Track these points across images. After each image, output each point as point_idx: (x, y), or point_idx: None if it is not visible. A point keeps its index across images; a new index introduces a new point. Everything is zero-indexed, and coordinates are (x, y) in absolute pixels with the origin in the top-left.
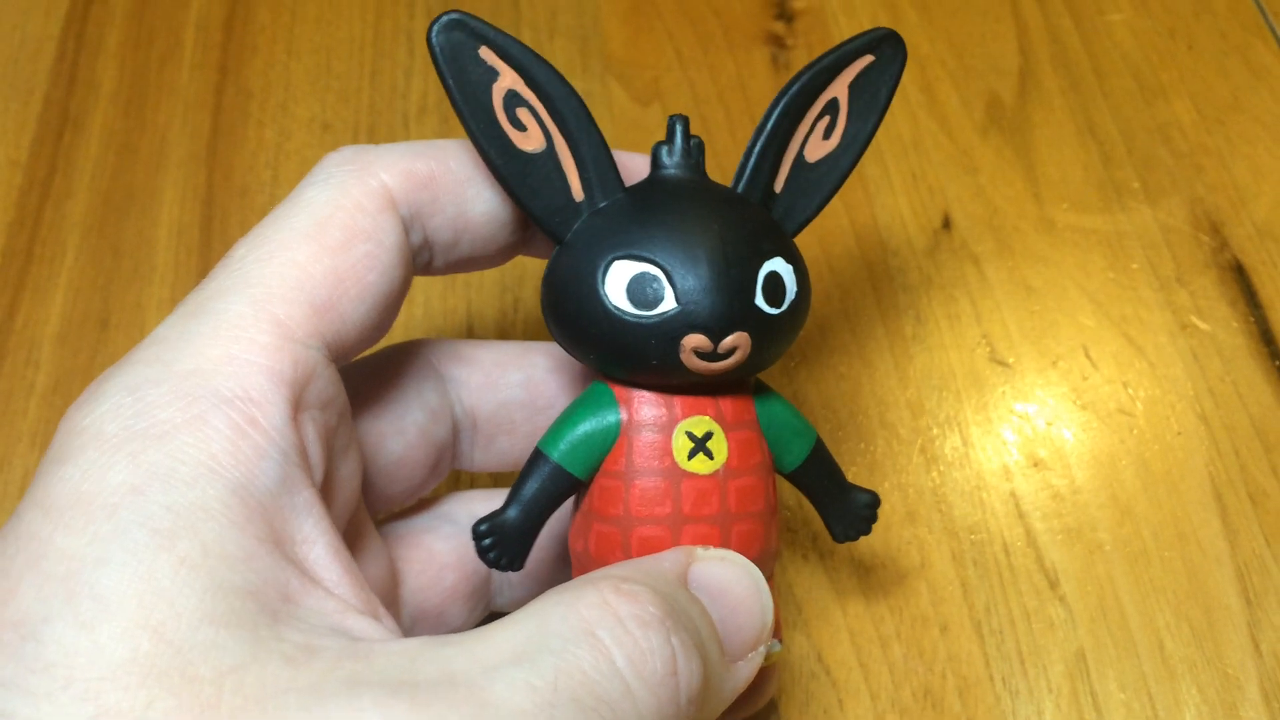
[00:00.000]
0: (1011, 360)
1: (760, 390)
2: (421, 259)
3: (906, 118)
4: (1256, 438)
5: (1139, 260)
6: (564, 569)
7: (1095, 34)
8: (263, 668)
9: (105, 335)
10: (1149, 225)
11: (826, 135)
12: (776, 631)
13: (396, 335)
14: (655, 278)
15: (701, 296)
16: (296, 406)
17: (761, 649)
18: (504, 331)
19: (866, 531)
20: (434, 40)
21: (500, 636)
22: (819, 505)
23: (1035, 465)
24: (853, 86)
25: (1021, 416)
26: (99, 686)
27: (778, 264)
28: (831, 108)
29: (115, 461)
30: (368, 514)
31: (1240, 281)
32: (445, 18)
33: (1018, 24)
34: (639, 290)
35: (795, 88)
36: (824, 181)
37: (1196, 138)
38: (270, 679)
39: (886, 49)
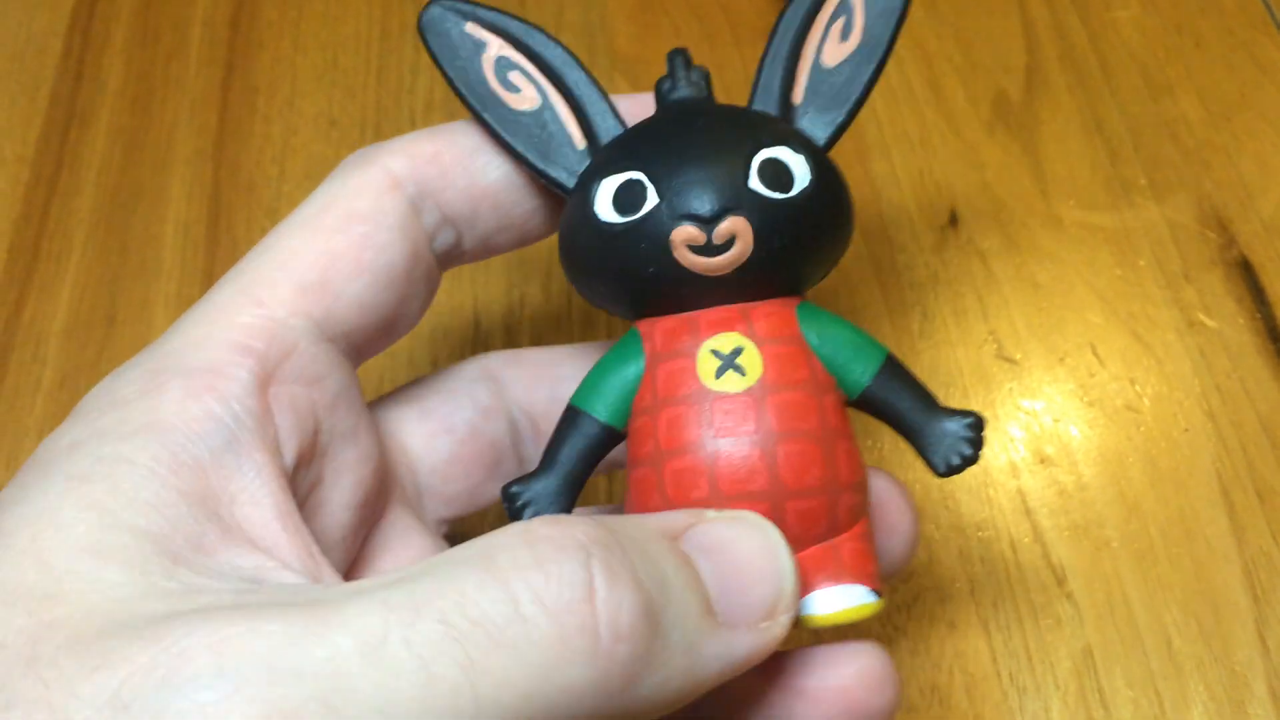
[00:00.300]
0: (1019, 357)
1: (807, 308)
2: (446, 239)
3: (913, 114)
4: (1264, 434)
5: (1146, 257)
6: None
7: (1102, 31)
8: (134, 599)
9: (112, 331)
10: (1156, 222)
11: (845, 36)
12: (872, 581)
13: None
14: (638, 182)
15: (684, 187)
16: (267, 378)
17: (782, 619)
18: (510, 328)
19: (972, 457)
20: (422, 24)
21: (398, 568)
22: (905, 433)
23: (1042, 462)
24: None
25: (1029, 413)
26: None
27: (779, 151)
28: (844, 7)
29: (71, 428)
30: (413, 515)
31: (1247, 278)
32: (431, 3)
33: (1025, 21)
34: (624, 198)
35: None
36: (850, 85)
37: (1204, 134)
38: (134, 609)
39: None
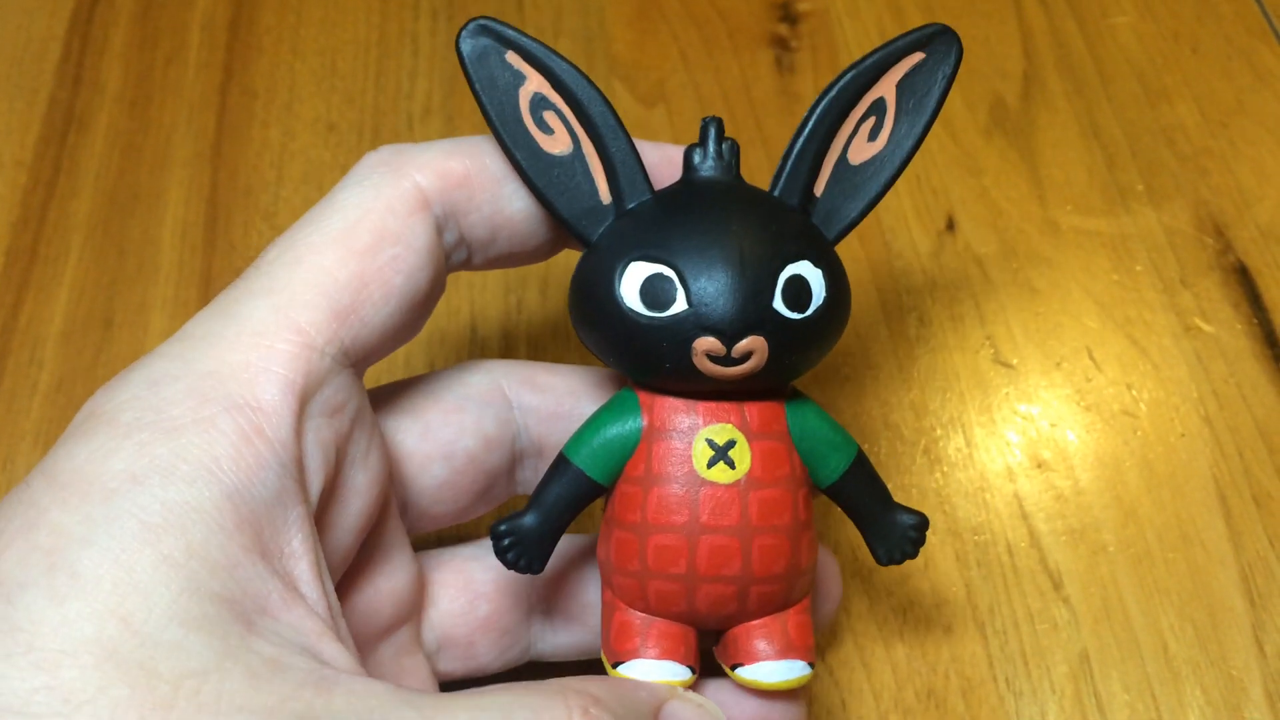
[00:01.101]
0: (1015, 362)
1: (795, 400)
2: (458, 256)
3: None
4: (1261, 440)
5: (1143, 262)
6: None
7: (1099, 37)
8: (224, 677)
9: (109, 335)
10: (1153, 228)
11: (872, 137)
12: (809, 655)
13: None
14: (669, 279)
15: (713, 299)
16: (303, 415)
17: None
18: (507, 332)
19: (912, 554)
20: (461, 47)
21: (460, 715)
22: (859, 524)
23: (1039, 466)
24: (901, 86)
25: (1025, 418)
26: (57, 659)
27: (802, 267)
28: (878, 108)
29: (122, 448)
30: (400, 526)
31: (1244, 284)
32: (473, 23)
33: (1022, 27)
34: (652, 291)
35: (837, 87)
36: (869, 185)
37: (1201, 141)
38: (228, 691)
39: (939, 45)
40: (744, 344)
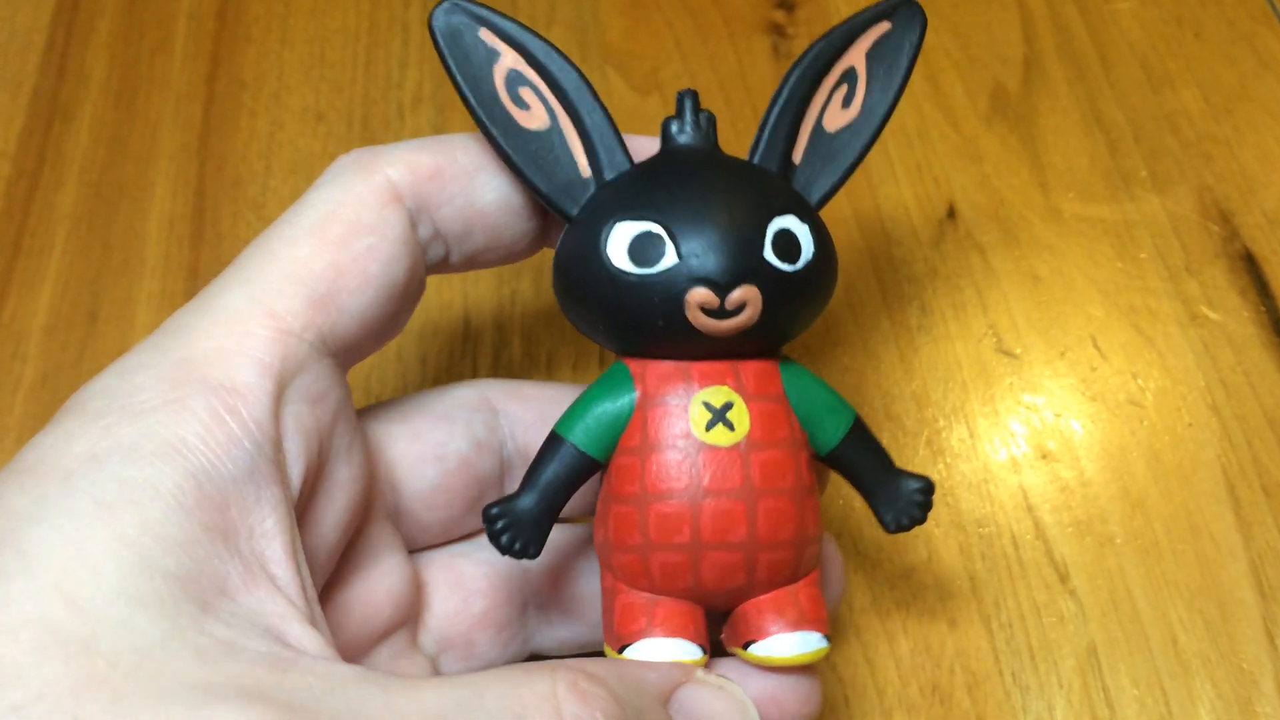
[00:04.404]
0: (1019, 351)
1: (788, 364)
2: (435, 252)
3: (911, 107)
4: (1269, 428)
5: (1147, 250)
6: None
7: (1101, 22)
8: (169, 656)
9: (94, 328)
10: (1157, 214)
11: (846, 104)
12: (824, 626)
13: None
14: (657, 235)
15: (704, 250)
16: (281, 399)
17: None
18: (501, 325)
19: (921, 519)
20: (435, 24)
21: (428, 695)
22: (864, 491)
23: (1044, 457)
24: (870, 54)
25: (1029, 408)
26: None
27: (789, 220)
28: (849, 76)
29: (86, 433)
30: (391, 529)
31: (1251, 270)
32: (446, 2)
33: (1023, 12)
34: (641, 249)
35: (808, 57)
36: (846, 151)
37: (1204, 126)
38: (170, 669)
39: (903, 14)
40: (737, 294)
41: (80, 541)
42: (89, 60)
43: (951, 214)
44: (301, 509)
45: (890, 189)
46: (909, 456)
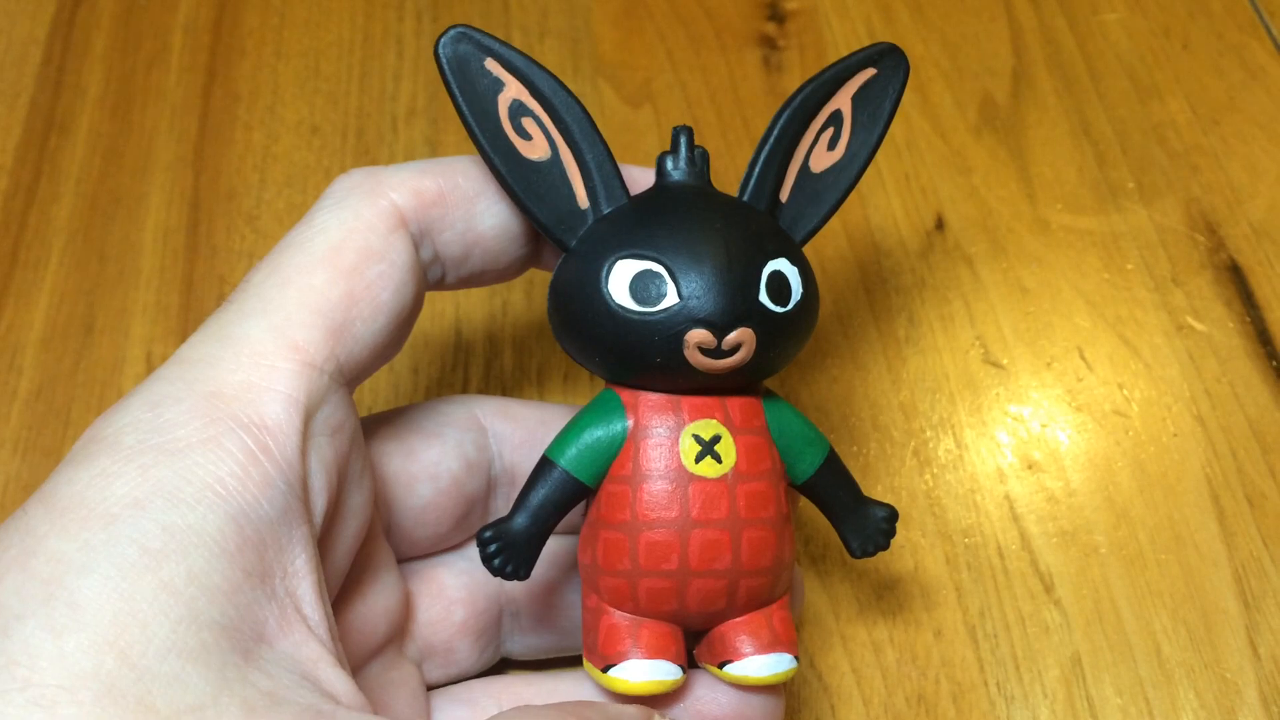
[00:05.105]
0: (1006, 362)
1: (770, 398)
2: (433, 274)
3: (899, 118)
4: (1254, 439)
5: (1134, 261)
6: (576, 620)
7: (1089, 34)
8: (220, 712)
9: (90, 340)
10: (1144, 225)
11: (831, 146)
12: (794, 648)
13: None
14: (658, 274)
15: (704, 292)
16: (307, 434)
17: None
18: (492, 336)
19: (885, 546)
20: (441, 52)
21: None
22: (833, 518)
23: (1030, 468)
24: (856, 98)
25: (1016, 418)
26: (54, 695)
27: (781, 264)
28: (835, 119)
29: (124, 472)
30: (387, 546)
31: (1236, 281)
32: (452, 30)
33: (1011, 24)
34: (642, 287)
35: (798, 100)
36: (830, 191)
37: (1192, 138)
38: None
39: (888, 62)
40: (734, 336)
41: (130, 595)
42: (85, 73)
43: (940, 225)
44: (319, 539)
45: (879, 200)
46: (896, 467)
